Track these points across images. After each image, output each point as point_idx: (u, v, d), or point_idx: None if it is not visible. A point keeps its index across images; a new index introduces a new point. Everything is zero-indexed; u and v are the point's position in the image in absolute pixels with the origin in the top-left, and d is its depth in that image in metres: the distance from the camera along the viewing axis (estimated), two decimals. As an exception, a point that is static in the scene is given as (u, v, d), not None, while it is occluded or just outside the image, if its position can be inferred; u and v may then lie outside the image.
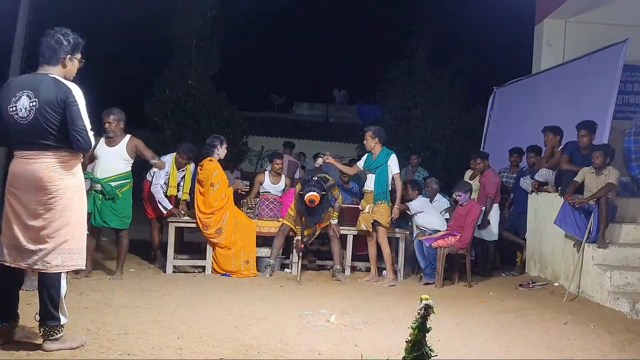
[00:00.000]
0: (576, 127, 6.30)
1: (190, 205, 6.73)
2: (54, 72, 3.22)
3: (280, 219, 6.49)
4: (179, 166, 6.52)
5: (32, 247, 3.12)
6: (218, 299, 4.83)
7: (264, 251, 6.41)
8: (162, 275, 5.87)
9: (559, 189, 6.40)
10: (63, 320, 3.20)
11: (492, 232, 6.92)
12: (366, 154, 6.47)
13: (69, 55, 3.25)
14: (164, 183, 6.32)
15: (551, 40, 9.04)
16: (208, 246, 6.12)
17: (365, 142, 6.35)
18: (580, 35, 8.72)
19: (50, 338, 3.17)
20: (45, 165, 3.13)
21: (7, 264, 3.16)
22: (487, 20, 12.17)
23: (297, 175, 9.47)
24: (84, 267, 3.49)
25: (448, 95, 13.01)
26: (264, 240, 6.66)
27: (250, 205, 6.79)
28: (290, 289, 5.54)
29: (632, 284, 5.33)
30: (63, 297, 3.20)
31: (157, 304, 4.49)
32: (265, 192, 6.92)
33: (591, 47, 7.27)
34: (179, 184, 6.57)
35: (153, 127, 12.29)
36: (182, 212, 6.34)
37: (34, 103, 3.11)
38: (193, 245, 7.15)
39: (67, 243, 3.18)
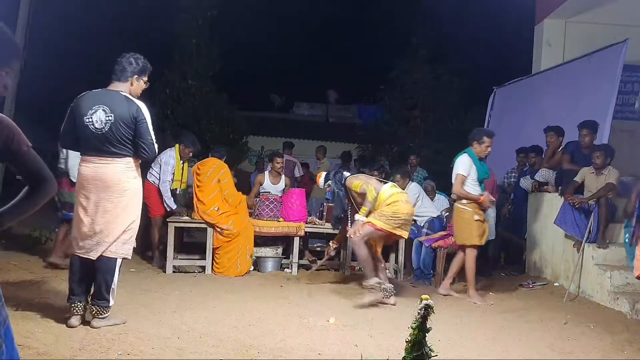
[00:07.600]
0: (578, 126, 6.31)
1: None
2: (123, 88, 3.68)
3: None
4: (184, 158, 6.50)
5: (98, 238, 3.59)
6: (218, 299, 4.83)
7: (264, 251, 6.42)
8: (162, 275, 5.86)
9: (559, 189, 6.40)
10: (111, 302, 3.67)
11: (490, 231, 6.92)
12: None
13: (135, 76, 3.71)
14: (171, 179, 6.35)
15: (551, 40, 9.04)
16: (208, 246, 6.11)
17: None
18: (580, 35, 8.71)
19: (99, 316, 3.62)
20: (114, 169, 3.61)
21: (80, 255, 3.63)
22: (487, 20, 12.14)
23: (296, 174, 9.48)
24: (130, 257, 3.86)
25: (448, 95, 13.00)
26: (264, 240, 6.66)
27: (249, 205, 6.79)
28: (290, 289, 5.54)
29: (632, 284, 5.33)
30: (115, 282, 3.67)
31: (157, 304, 4.49)
32: (265, 192, 6.92)
33: (591, 47, 7.27)
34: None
35: (153, 127, 12.26)
36: (184, 213, 6.36)
37: (110, 118, 3.57)
38: (193, 245, 7.14)
39: (125, 234, 3.67)
